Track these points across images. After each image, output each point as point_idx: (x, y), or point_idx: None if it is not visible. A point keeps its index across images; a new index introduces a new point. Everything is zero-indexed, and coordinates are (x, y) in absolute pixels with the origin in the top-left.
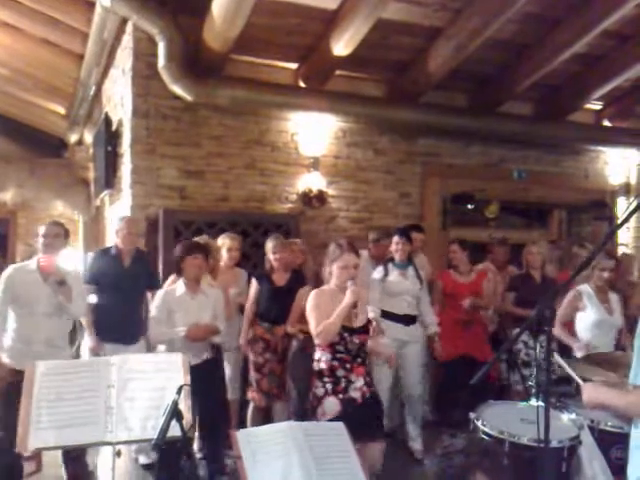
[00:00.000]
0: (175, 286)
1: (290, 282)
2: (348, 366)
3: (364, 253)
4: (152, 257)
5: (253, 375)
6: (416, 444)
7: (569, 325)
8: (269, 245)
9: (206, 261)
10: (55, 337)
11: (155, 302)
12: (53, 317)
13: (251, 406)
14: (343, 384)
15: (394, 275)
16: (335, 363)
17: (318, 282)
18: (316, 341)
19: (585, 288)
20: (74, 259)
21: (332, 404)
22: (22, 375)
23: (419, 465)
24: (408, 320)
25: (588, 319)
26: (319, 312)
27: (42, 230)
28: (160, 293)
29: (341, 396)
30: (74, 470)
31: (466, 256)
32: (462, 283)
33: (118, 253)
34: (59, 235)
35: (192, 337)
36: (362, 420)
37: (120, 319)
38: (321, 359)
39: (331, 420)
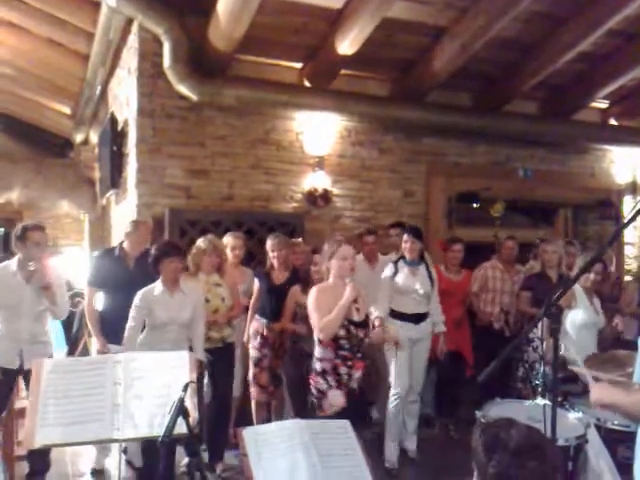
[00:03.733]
0: (153, 286)
1: (289, 281)
2: (350, 363)
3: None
4: None
5: (252, 370)
6: (411, 443)
7: None
8: (268, 243)
9: (182, 262)
10: (38, 334)
11: (135, 301)
12: (35, 317)
13: (253, 401)
14: (345, 380)
15: (404, 273)
16: (338, 361)
17: (308, 281)
18: (319, 336)
19: (577, 287)
20: (80, 258)
21: (337, 396)
22: (11, 373)
23: (413, 464)
24: (418, 318)
25: (577, 319)
26: (321, 308)
27: (35, 236)
28: (139, 293)
29: (344, 389)
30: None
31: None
32: (454, 281)
33: (123, 255)
34: (47, 239)
35: None
36: (359, 409)
37: (126, 320)
38: (323, 358)
39: (337, 412)
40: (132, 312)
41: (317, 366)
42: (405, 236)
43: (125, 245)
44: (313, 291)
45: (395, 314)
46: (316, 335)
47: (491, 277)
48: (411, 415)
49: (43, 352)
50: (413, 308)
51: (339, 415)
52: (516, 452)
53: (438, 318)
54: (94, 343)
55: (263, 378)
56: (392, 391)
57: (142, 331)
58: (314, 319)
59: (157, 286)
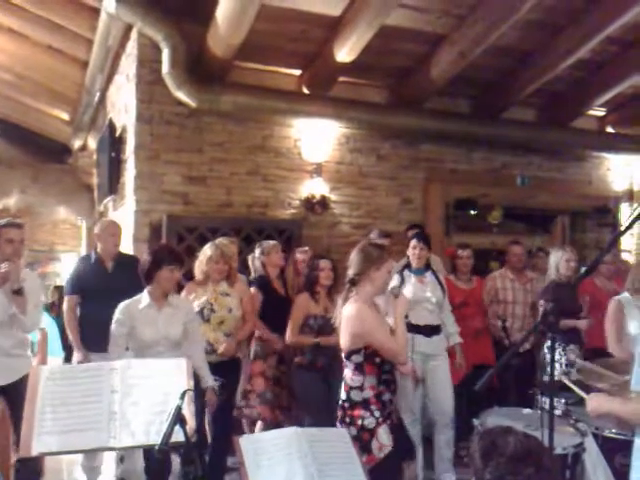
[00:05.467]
0: (138, 297)
1: (288, 290)
2: (393, 387)
3: None
4: None
5: (271, 390)
6: (449, 476)
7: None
8: (258, 250)
9: (180, 271)
10: (10, 346)
11: (116, 315)
12: (6, 326)
13: (259, 424)
14: (388, 408)
15: (412, 282)
16: (382, 387)
17: (315, 288)
18: (397, 360)
19: (626, 297)
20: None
21: (386, 433)
22: None
23: None
24: (430, 331)
25: (631, 332)
26: (381, 327)
27: (7, 233)
28: (121, 305)
29: (389, 422)
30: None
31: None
32: (467, 290)
33: (99, 259)
34: (24, 240)
35: None
36: (404, 443)
37: (107, 327)
38: (364, 385)
39: (388, 453)
40: (112, 327)
41: (356, 397)
42: (414, 242)
43: (99, 248)
44: (355, 311)
45: (407, 326)
46: (393, 358)
47: (501, 288)
48: (446, 443)
49: (16, 367)
50: (425, 319)
51: (389, 458)
52: (512, 459)
53: (452, 329)
54: (75, 353)
55: (284, 398)
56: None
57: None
58: (382, 342)
59: (143, 298)
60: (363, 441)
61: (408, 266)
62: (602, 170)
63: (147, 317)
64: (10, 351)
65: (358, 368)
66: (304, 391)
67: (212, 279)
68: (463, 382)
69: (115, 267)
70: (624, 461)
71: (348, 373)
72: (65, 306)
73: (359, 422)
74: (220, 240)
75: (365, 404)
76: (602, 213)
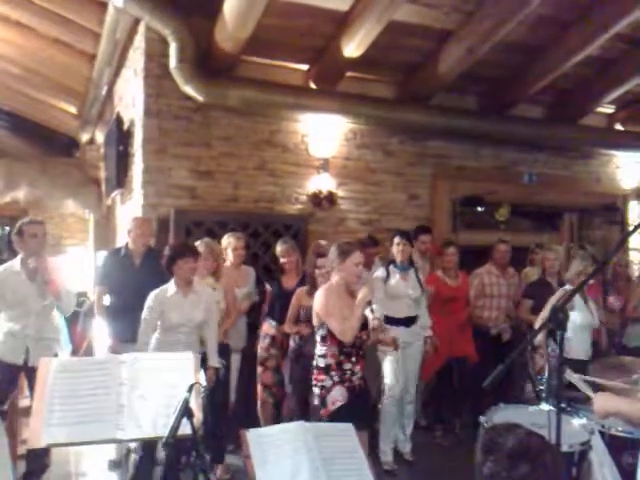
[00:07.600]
0: (166, 287)
1: (299, 284)
2: (354, 359)
3: None
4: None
5: (258, 369)
6: (406, 445)
7: None
8: (278, 249)
9: (196, 262)
10: (45, 330)
11: (147, 302)
12: (42, 314)
13: (259, 401)
14: (348, 375)
15: (395, 278)
16: (342, 357)
17: (315, 284)
18: (343, 339)
19: (570, 288)
20: (85, 258)
21: (341, 391)
22: (14, 368)
23: (409, 466)
24: (409, 321)
25: (576, 320)
26: (335, 311)
27: (30, 229)
28: (152, 294)
29: (347, 384)
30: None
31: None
32: (454, 287)
33: (129, 253)
34: (46, 234)
35: None
36: (361, 408)
37: (133, 319)
38: (327, 354)
39: (340, 407)
40: (144, 313)
41: (320, 363)
42: (397, 239)
43: (129, 244)
44: (321, 294)
45: (388, 319)
46: (339, 337)
47: (487, 283)
48: (407, 417)
49: (49, 349)
50: (405, 312)
51: (341, 411)
52: (509, 455)
53: (426, 322)
54: (104, 341)
55: (267, 378)
56: (387, 393)
57: (154, 333)
58: (332, 323)
59: (170, 287)
60: (322, 397)
61: (393, 262)
62: (611, 168)
63: (174, 303)
64: (44, 335)
65: (323, 340)
66: (291, 375)
67: (200, 274)
68: (440, 372)
69: (142, 262)
70: (631, 460)
71: (317, 344)
72: (95, 297)
73: (321, 384)
74: (230, 235)
75: (327, 369)
76: (610, 211)
